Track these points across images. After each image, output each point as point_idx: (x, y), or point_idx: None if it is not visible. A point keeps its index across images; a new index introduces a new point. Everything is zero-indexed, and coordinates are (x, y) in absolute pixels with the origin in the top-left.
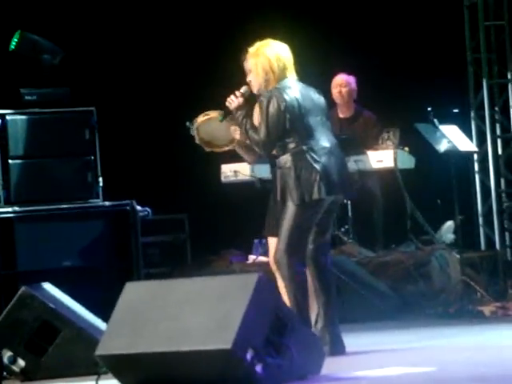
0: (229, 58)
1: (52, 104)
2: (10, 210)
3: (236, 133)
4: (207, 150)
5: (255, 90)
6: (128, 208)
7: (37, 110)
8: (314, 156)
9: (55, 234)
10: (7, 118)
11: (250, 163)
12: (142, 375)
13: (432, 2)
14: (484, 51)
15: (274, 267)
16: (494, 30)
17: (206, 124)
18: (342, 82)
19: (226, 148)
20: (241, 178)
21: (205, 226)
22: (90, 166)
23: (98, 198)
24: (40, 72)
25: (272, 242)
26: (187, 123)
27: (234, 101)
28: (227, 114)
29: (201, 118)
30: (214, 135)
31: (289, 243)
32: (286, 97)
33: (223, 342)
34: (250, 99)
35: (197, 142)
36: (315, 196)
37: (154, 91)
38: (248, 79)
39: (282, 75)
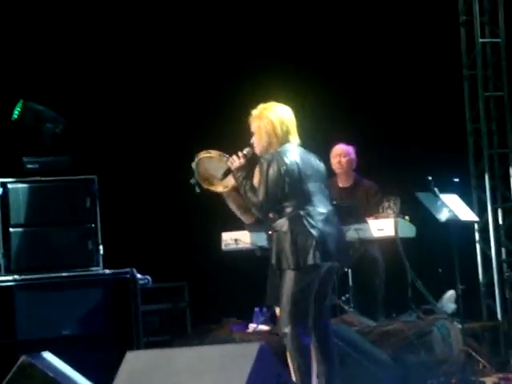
0: (231, 117)
1: (53, 172)
2: (10, 278)
3: (233, 164)
4: (204, 186)
5: (257, 152)
6: (128, 276)
7: (38, 178)
8: (311, 221)
9: (55, 302)
10: (9, 186)
11: (246, 223)
12: None
13: (432, 73)
14: (484, 121)
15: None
16: (493, 100)
17: (207, 161)
18: (342, 152)
19: (221, 189)
20: (241, 246)
21: (205, 294)
22: (90, 233)
23: (98, 265)
24: (42, 141)
25: (278, 311)
26: (191, 180)
27: (235, 161)
28: (228, 173)
29: (203, 154)
30: (213, 174)
31: (291, 312)
32: (287, 161)
33: None
34: (252, 161)
35: (195, 177)
36: (310, 261)
37: (152, 160)
38: (251, 141)
39: (284, 139)
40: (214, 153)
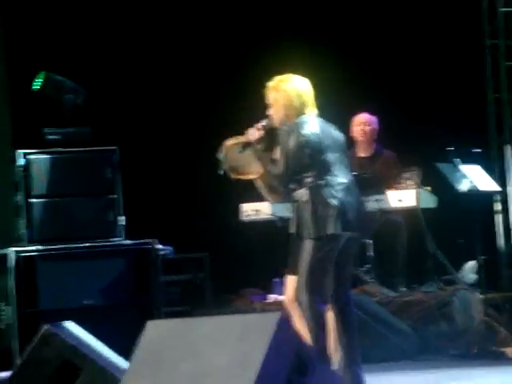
0: (250, 91)
1: (75, 143)
2: (32, 248)
3: (252, 136)
4: (233, 176)
5: (276, 124)
6: (150, 246)
7: (59, 149)
8: (332, 191)
9: (77, 272)
10: (30, 157)
11: (272, 202)
12: None
13: (453, 43)
14: (505, 91)
15: (289, 306)
16: None
17: (235, 149)
18: (366, 121)
19: (252, 177)
20: (261, 216)
21: (225, 264)
22: (112, 204)
23: (120, 236)
24: (63, 112)
25: (289, 280)
26: (219, 171)
27: (254, 133)
28: (247, 145)
29: (230, 142)
30: (241, 162)
31: (308, 280)
32: (306, 131)
33: (245, 381)
34: (271, 132)
35: (224, 168)
36: (330, 231)
37: (174, 130)
38: (268, 112)
39: (302, 111)
40: (241, 138)
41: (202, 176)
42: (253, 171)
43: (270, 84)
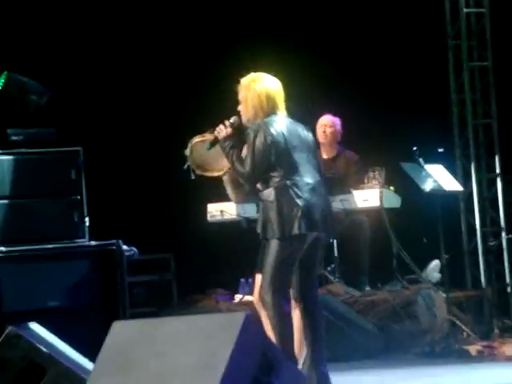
0: (217, 91)
1: (38, 144)
2: None
3: (220, 133)
4: (198, 173)
5: (244, 122)
6: (114, 247)
7: (23, 150)
8: (298, 192)
9: (41, 274)
10: None
11: (235, 202)
12: None
13: (417, 43)
14: (468, 92)
15: (257, 304)
16: (477, 71)
17: (201, 146)
18: (328, 123)
19: (217, 174)
20: (227, 217)
21: (191, 265)
22: (76, 205)
23: (84, 237)
24: (26, 112)
25: (258, 278)
26: (184, 167)
27: (222, 130)
28: (215, 142)
29: (196, 139)
30: (207, 159)
31: (272, 279)
32: (273, 131)
33: (211, 380)
34: (239, 130)
35: (188, 163)
36: (295, 231)
37: (138, 130)
38: (238, 109)
39: (270, 111)
40: (208, 136)
41: (167, 176)
42: (218, 168)
43: (242, 82)
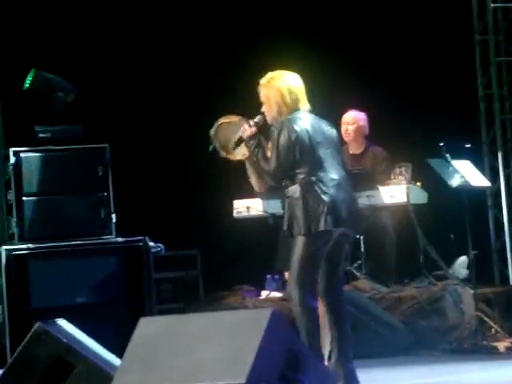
0: (241, 88)
1: (66, 141)
2: (24, 246)
3: (245, 133)
4: (222, 154)
5: (268, 121)
6: (141, 244)
7: (51, 147)
8: (323, 188)
9: (68, 270)
10: (21, 155)
11: (258, 191)
12: None
13: (444, 39)
14: (495, 87)
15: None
16: (505, 65)
17: (226, 127)
18: (350, 120)
19: (239, 158)
20: (253, 213)
21: (217, 261)
22: (103, 202)
23: (111, 234)
24: (54, 110)
25: (288, 276)
26: (210, 147)
27: (247, 130)
28: (240, 142)
29: (222, 120)
30: (231, 141)
31: (298, 276)
32: (297, 128)
33: (237, 376)
34: (264, 129)
35: (213, 144)
36: (321, 227)
37: (165, 127)
38: (262, 109)
39: (294, 107)
40: (233, 118)
41: (193, 173)
42: (242, 152)
43: (262, 81)
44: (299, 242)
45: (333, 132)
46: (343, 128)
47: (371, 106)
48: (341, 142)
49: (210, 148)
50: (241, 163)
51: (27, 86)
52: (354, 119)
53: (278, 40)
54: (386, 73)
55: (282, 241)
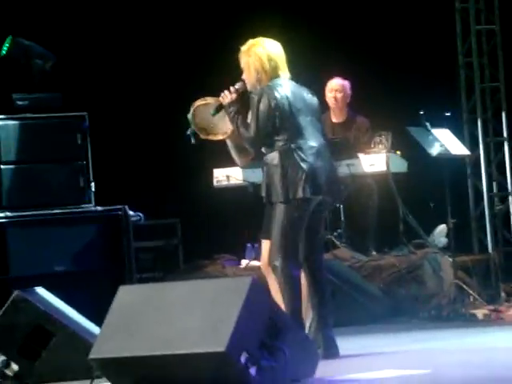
0: (223, 56)
1: (44, 109)
2: (2, 215)
3: (225, 99)
4: (202, 137)
5: (248, 88)
6: (120, 213)
7: (29, 115)
8: (302, 155)
9: (47, 239)
10: None
11: (239, 165)
12: (136, 378)
13: (424, 7)
14: (476, 55)
15: (265, 270)
16: (485, 34)
17: (204, 109)
18: (338, 87)
19: (221, 137)
20: (233, 182)
21: (197, 230)
22: (82, 170)
23: (90, 203)
24: (32, 77)
25: (264, 244)
26: (188, 131)
27: (227, 96)
28: (220, 108)
29: (199, 102)
30: (210, 122)
31: (281, 244)
32: (277, 94)
33: (217, 344)
34: (244, 95)
35: (192, 127)
36: (300, 195)
37: (144, 95)
38: (242, 76)
39: (273, 74)
40: (210, 99)
41: (173, 141)
42: (222, 132)
43: (242, 48)
44: (279, 210)
45: (313, 100)
46: (331, 95)
47: (351, 73)
48: (321, 110)
49: (189, 131)
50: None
51: (4, 53)
52: (342, 87)
53: (259, 12)
54: (366, 41)
55: (267, 211)
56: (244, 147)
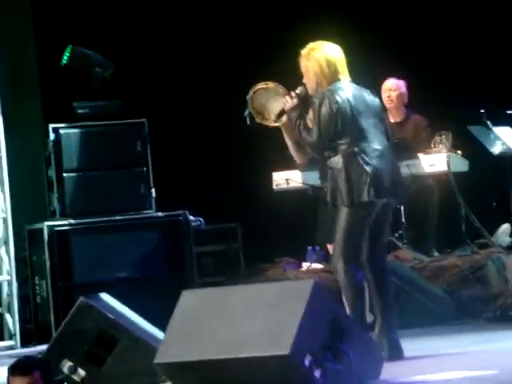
0: (280, 60)
1: (104, 117)
2: (65, 222)
3: (287, 105)
4: (257, 121)
5: (310, 92)
6: (181, 218)
7: (89, 123)
8: (366, 158)
9: (110, 245)
10: (60, 131)
11: (297, 161)
12: (200, 382)
13: (484, 3)
14: None
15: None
16: None
17: (263, 93)
18: (392, 87)
19: (276, 124)
20: (293, 185)
21: (257, 234)
22: (142, 177)
23: (151, 208)
24: (92, 85)
25: (331, 248)
26: (245, 112)
27: (288, 101)
28: (282, 113)
29: (259, 86)
30: (267, 107)
31: (343, 247)
32: (338, 98)
33: (281, 347)
34: (306, 100)
35: (249, 110)
36: (364, 198)
37: (203, 100)
38: (303, 80)
39: (333, 78)
40: (270, 84)
41: (232, 146)
42: (276, 119)
43: (302, 52)
44: (343, 213)
45: (375, 101)
46: (385, 95)
47: (410, 74)
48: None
49: (246, 113)
50: (280, 135)
51: (65, 62)
52: (396, 86)
53: (316, 15)
54: (426, 39)
55: (322, 215)
56: (301, 143)
